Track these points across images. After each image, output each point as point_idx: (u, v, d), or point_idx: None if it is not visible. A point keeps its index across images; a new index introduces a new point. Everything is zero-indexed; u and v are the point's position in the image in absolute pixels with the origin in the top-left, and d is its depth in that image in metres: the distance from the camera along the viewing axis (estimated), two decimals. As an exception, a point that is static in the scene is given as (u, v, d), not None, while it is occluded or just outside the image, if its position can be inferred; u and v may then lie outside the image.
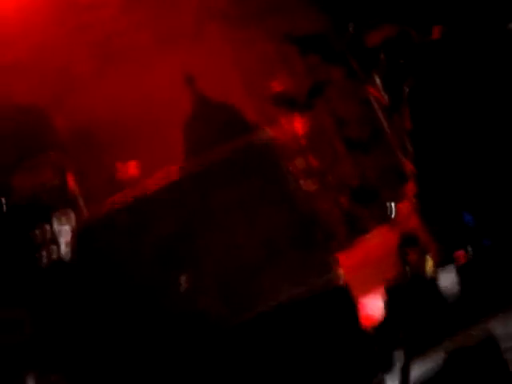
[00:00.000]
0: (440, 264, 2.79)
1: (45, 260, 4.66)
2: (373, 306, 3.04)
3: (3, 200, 4.86)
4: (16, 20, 5.65)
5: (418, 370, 2.51)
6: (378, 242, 4.34)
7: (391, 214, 4.63)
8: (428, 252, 2.91)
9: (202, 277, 2.57)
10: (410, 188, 4.53)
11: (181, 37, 5.83)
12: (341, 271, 2.48)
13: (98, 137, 5.66)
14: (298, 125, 5.30)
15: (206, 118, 5.44)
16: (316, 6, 5.71)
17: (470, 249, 2.73)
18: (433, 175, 3.44)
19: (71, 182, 5.10)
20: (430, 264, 2.84)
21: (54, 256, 4.63)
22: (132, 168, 5.33)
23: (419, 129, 3.82)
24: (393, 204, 4.64)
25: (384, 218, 4.68)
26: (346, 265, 3.20)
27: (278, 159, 2.77)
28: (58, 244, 4.64)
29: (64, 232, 4.66)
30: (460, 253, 2.76)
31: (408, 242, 3.07)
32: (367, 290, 3.23)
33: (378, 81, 4.81)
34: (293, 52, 5.76)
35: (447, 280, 2.73)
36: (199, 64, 5.67)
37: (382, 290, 2.99)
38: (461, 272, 2.73)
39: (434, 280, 2.73)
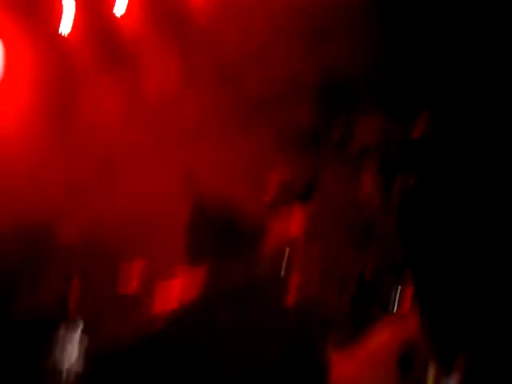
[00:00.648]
0: (442, 374, 2.76)
1: (49, 369, 4.66)
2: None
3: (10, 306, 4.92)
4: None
5: None
6: (379, 342, 4.28)
7: (394, 310, 4.61)
8: (430, 361, 2.89)
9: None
10: (410, 291, 4.52)
11: (181, 135, 6.06)
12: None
13: (103, 241, 5.77)
14: (299, 215, 5.39)
15: (209, 218, 5.54)
16: (311, 98, 5.93)
17: (471, 358, 2.70)
18: (431, 277, 3.46)
19: (77, 288, 5.17)
20: (432, 374, 2.82)
21: (59, 365, 4.64)
22: (136, 270, 5.40)
23: (411, 228, 3.88)
24: (396, 299, 4.63)
25: (387, 314, 4.65)
26: (346, 369, 3.17)
27: (279, 291, 2.85)
28: (63, 353, 4.66)
29: (71, 341, 4.68)
30: (461, 361, 2.74)
31: (410, 349, 3.05)
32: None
33: (372, 174, 4.94)
34: (291, 142, 5.95)
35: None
36: (200, 161, 5.86)
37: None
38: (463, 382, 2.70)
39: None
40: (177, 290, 4.74)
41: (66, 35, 6.04)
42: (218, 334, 2.84)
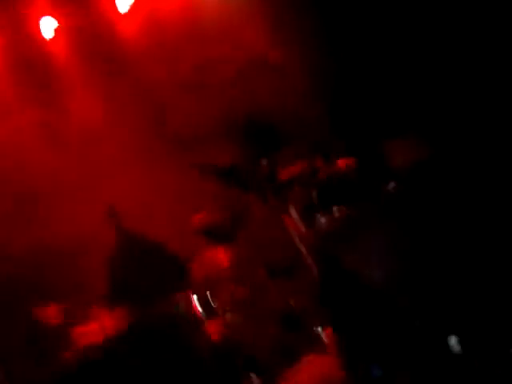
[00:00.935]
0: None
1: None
2: None
3: None
4: None
5: None
6: (309, 371, 4.32)
7: (319, 339, 4.66)
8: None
9: None
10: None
11: (103, 176, 5.94)
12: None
13: (21, 282, 5.49)
14: (222, 256, 5.38)
15: (130, 256, 5.45)
16: (232, 139, 6.03)
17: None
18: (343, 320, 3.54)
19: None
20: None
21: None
22: (52, 312, 5.16)
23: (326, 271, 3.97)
24: (319, 329, 4.68)
25: (313, 343, 4.70)
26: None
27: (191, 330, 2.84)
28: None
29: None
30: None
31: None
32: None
33: (293, 211, 5.04)
34: (211, 183, 5.97)
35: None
36: (122, 198, 5.77)
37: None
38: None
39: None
40: (94, 332, 4.57)
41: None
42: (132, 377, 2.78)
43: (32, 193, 5.82)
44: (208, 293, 5.02)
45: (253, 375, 4.32)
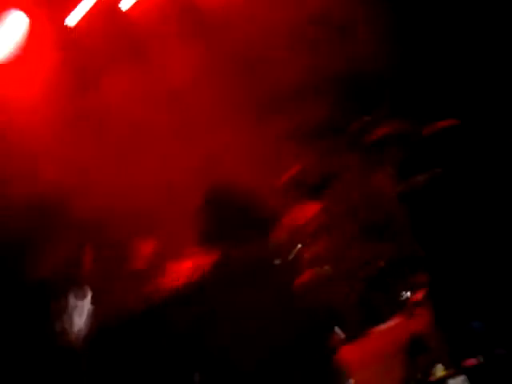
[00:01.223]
0: (450, 372, 2.77)
1: (56, 333, 4.69)
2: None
3: (23, 271, 4.98)
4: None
5: None
6: (389, 336, 4.30)
7: (405, 304, 4.61)
8: (439, 359, 2.90)
9: (216, 371, 2.60)
10: (423, 279, 4.54)
11: (199, 126, 6.08)
12: (352, 381, 2.49)
13: (116, 215, 5.80)
14: (311, 211, 5.41)
15: (223, 203, 5.59)
16: (330, 96, 5.96)
17: (481, 358, 2.71)
18: (443, 274, 3.47)
19: (89, 258, 5.20)
20: (440, 372, 2.83)
21: (67, 330, 4.67)
22: (147, 250, 5.43)
23: (430, 223, 3.89)
24: (408, 294, 4.63)
25: (398, 308, 4.66)
26: (355, 358, 3.17)
27: (292, 269, 2.87)
28: (71, 319, 4.69)
29: (79, 308, 4.71)
30: (471, 361, 2.74)
31: (419, 346, 3.06)
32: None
33: (390, 170, 4.96)
34: (306, 139, 5.97)
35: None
36: (218, 147, 5.90)
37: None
38: (472, 381, 2.71)
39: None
40: (185, 270, 4.76)
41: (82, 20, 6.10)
42: (222, 315, 2.85)
43: (129, 138, 6.08)
44: (297, 246, 5.08)
45: (337, 329, 4.34)
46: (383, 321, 4.67)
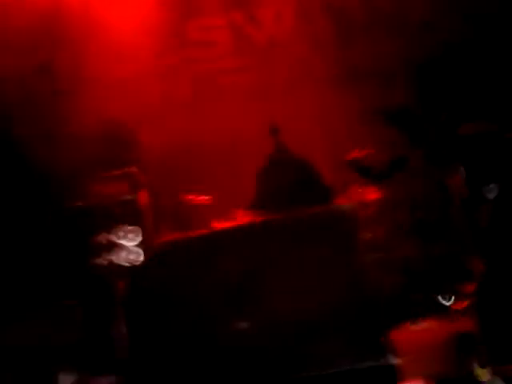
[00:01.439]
0: (493, 373, 2.70)
1: (102, 269, 4.82)
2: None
3: (80, 205, 5.11)
4: (128, 41, 6.04)
5: None
6: (429, 332, 4.24)
7: (448, 307, 4.53)
8: (483, 359, 2.83)
9: (261, 323, 2.61)
10: (473, 288, 4.42)
11: (275, 88, 6.05)
12: (396, 360, 2.46)
13: (177, 163, 5.87)
14: (371, 196, 5.32)
15: (282, 171, 5.56)
16: (414, 81, 5.79)
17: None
18: (500, 284, 3.36)
19: (144, 200, 5.28)
20: (483, 371, 2.76)
21: (112, 265, 4.79)
22: (203, 201, 5.47)
23: (496, 232, 3.76)
24: (452, 298, 4.54)
25: (440, 310, 4.58)
26: (403, 342, 3.13)
27: (356, 232, 2.80)
28: (117, 256, 4.80)
29: (127, 247, 4.81)
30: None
31: (465, 344, 2.99)
32: (414, 380, 3.16)
33: (461, 172, 4.80)
34: (380, 122, 5.84)
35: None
36: (287, 118, 5.85)
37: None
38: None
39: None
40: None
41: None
42: (273, 271, 2.82)
43: (209, 90, 6.11)
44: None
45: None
46: (416, 320, 4.60)
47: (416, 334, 4.10)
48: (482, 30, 5.66)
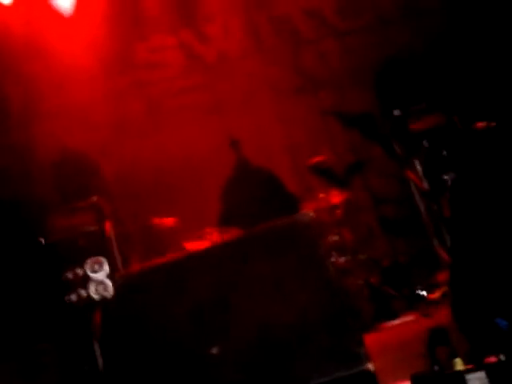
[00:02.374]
0: (469, 367, 2.69)
1: (72, 303, 4.70)
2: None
3: (42, 240, 4.97)
4: (79, 67, 5.94)
5: None
6: (403, 329, 4.24)
7: (420, 302, 4.55)
8: (458, 353, 2.82)
9: (232, 348, 2.55)
10: (443, 278, 4.46)
11: (231, 102, 6.03)
12: (372, 366, 2.43)
13: (139, 188, 5.79)
14: (335, 199, 5.33)
15: (246, 184, 5.53)
16: (365, 85, 5.85)
17: (502, 356, 2.63)
18: (468, 271, 3.37)
19: (109, 229, 5.18)
20: (459, 365, 2.75)
21: (82, 301, 4.67)
22: (168, 223, 5.40)
23: (458, 220, 3.78)
24: (424, 292, 4.57)
25: (413, 304, 4.60)
26: (373, 345, 3.11)
27: (318, 241, 2.77)
28: (87, 290, 4.68)
29: (95, 279, 4.70)
30: (491, 359, 2.66)
31: (438, 339, 2.98)
32: (389, 379, 3.13)
33: (418, 166, 4.84)
34: (337, 127, 5.88)
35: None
36: (245, 131, 5.82)
37: (406, 382, 2.90)
38: (491, 378, 2.63)
39: (462, 382, 2.64)
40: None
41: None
42: (241, 289, 2.78)
43: (164, 112, 6.05)
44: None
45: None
46: (395, 316, 4.62)
47: (395, 331, 4.10)
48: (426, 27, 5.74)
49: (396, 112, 4.97)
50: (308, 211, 2.90)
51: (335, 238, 5.13)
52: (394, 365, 3.33)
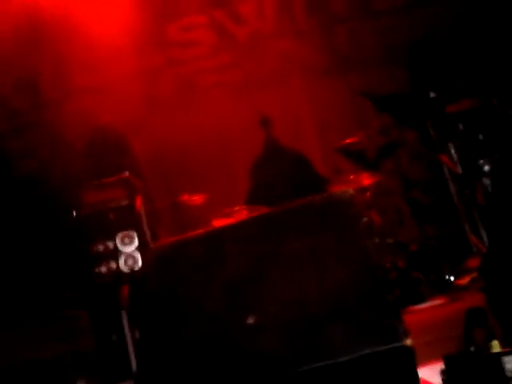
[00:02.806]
0: (506, 349, 2.65)
1: (102, 276, 4.75)
2: (431, 380, 2.93)
3: (74, 212, 5.02)
4: (110, 46, 5.94)
5: None
6: (432, 313, 4.20)
7: (448, 287, 4.50)
8: (495, 335, 2.78)
9: (268, 318, 2.53)
10: (472, 264, 4.39)
11: (262, 82, 5.99)
12: (410, 341, 2.40)
13: (170, 165, 5.81)
14: (365, 181, 5.27)
15: (275, 163, 5.50)
16: (400, 66, 5.75)
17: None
18: (501, 258, 3.32)
19: (139, 204, 5.21)
20: (496, 348, 2.71)
21: (112, 273, 4.72)
22: (197, 200, 5.41)
23: (492, 207, 3.71)
24: (452, 277, 4.51)
25: (440, 289, 4.55)
26: (412, 323, 3.09)
27: (358, 216, 2.73)
28: (117, 263, 4.73)
29: (125, 252, 4.74)
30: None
31: (476, 320, 2.94)
32: (422, 361, 3.10)
33: (452, 151, 4.75)
34: (369, 108, 5.80)
35: (512, 367, 2.60)
36: (276, 110, 5.78)
37: (440, 365, 2.87)
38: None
39: (499, 364, 2.60)
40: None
41: None
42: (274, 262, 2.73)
43: (195, 89, 6.03)
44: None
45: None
46: (422, 301, 4.58)
47: (424, 314, 4.06)
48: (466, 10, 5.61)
49: (432, 94, 4.86)
50: (347, 188, 2.84)
51: (365, 220, 5.07)
52: (424, 347, 3.31)
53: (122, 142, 5.60)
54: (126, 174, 5.11)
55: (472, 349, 2.74)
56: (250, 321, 2.47)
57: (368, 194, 5.16)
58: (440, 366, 3.06)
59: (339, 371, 2.33)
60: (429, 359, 3.16)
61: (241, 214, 5.15)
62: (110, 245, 4.80)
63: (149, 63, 6.13)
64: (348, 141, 5.47)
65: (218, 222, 5.07)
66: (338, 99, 5.87)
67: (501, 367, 2.54)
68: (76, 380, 4.26)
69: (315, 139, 5.89)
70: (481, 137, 4.46)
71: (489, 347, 2.74)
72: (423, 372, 3.08)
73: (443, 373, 2.83)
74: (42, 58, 6.22)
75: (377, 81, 5.71)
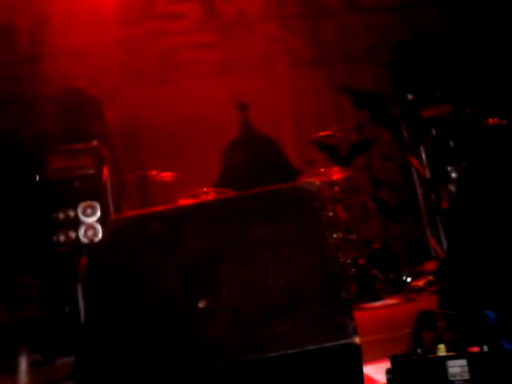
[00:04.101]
0: (452, 354, 2.68)
1: (60, 243, 4.65)
2: (376, 377, 2.96)
3: (37, 176, 4.89)
4: (93, 11, 5.78)
5: None
6: (386, 311, 4.26)
7: (405, 287, 4.56)
8: (442, 340, 2.81)
9: (222, 303, 2.50)
10: (429, 267, 4.47)
11: (244, 64, 5.92)
12: (358, 339, 2.40)
13: (141, 138, 5.71)
14: (335, 175, 5.29)
15: (247, 148, 5.47)
16: (381, 65, 5.75)
17: (485, 348, 2.62)
18: (459, 263, 3.36)
19: (106, 175, 5.11)
20: (441, 351, 2.74)
21: (70, 242, 4.63)
22: (166, 177, 5.34)
23: (454, 214, 3.75)
24: (409, 279, 4.57)
25: (397, 289, 4.62)
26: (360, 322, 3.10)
27: (322, 209, 2.70)
28: (77, 233, 4.63)
29: (86, 223, 4.65)
30: (475, 349, 2.66)
31: (426, 322, 2.97)
32: (367, 358, 3.13)
33: (423, 154, 4.79)
34: (347, 103, 5.80)
35: (456, 371, 2.64)
36: (254, 94, 5.74)
37: (386, 363, 2.89)
38: (472, 367, 2.63)
39: (442, 368, 2.64)
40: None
41: None
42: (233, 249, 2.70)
43: (176, 64, 5.92)
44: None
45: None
46: (378, 299, 4.64)
47: (377, 312, 4.11)
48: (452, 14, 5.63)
49: (409, 96, 4.88)
50: (314, 180, 2.80)
51: (330, 213, 5.08)
52: (373, 344, 3.34)
53: (95, 108, 5.47)
54: (96, 142, 5.00)
55: (419, 350, 2.76)
56: (201, 305, 2.44)
57: (336, 188, 5.17)
58: (387, 364, 3.08)
59: (284, 364, 2.32)
60: (378, 357, 3.20)
61: (208, 195, 5.10)
62: (71, 213, 4.70)
63: (132, 33, 5.99)
64: (322, 133, 5.46)
65: (184, 202, 5.02)
66: (319, 90, 5.85)
67: (444, 371, 2.58)
68: (19, 348, 4.19)
69: (291, 128, 5.87)
70: (451, 144, 4.51)
71: (435, 350, 2.77)
72: (370, 369, 3.12)
73: (388, 372, 2.85)
74: (19, 14, 6.01)
75: (359, 77, 5.70)
